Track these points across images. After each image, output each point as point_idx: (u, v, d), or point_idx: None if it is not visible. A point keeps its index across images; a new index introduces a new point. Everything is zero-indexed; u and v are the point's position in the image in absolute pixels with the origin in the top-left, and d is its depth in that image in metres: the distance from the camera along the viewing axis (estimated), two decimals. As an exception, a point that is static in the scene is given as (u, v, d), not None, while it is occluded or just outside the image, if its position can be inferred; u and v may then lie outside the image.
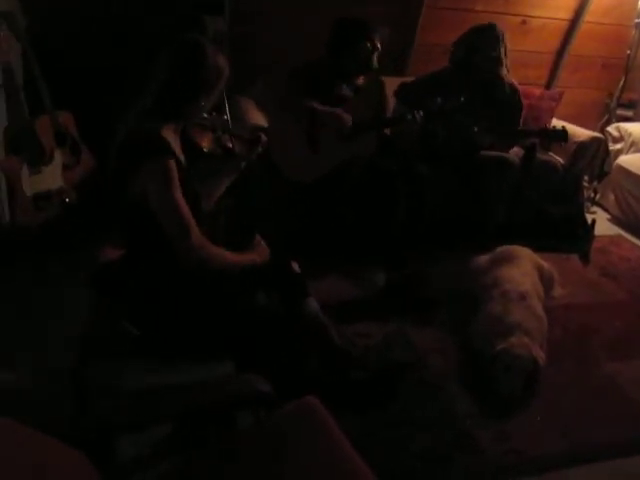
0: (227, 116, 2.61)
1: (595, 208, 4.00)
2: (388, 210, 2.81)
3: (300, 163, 2.73)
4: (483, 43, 3.00)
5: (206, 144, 2.20)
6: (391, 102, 3.21)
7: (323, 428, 1.32)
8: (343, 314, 2.44)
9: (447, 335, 2.46)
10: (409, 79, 3.27)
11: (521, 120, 3.23)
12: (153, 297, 1.74)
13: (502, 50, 3.03)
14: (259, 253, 1.88)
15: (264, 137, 2.02)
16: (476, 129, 2.91)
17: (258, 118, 3.00)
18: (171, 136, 1.71)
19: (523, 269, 2.55)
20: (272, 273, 1.97)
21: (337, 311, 2.39)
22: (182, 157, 1.74)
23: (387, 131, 3.09)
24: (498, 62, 3.04)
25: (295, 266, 2.08)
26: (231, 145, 2.30)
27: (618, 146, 3.99)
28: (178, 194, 1.60)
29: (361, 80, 2.90)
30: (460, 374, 2.24)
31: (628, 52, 3.97)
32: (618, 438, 2.04)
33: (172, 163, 1.61)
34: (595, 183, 4.05)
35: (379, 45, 2.81)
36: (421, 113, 2.79)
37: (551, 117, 3.74)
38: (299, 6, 3.23)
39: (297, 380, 1.78)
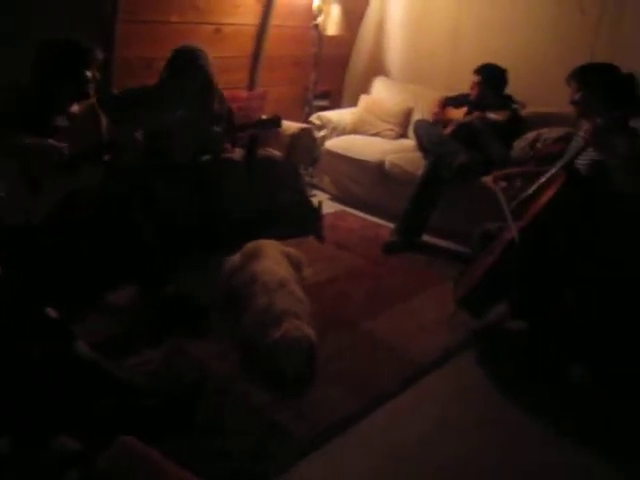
0: None
1: (315, 191, 4.41)
2: (130, 234, 2.69)
3: (18, 205, 2.45)
4: (188, 64, 3.11)
5: None
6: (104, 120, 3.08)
7: (147, 461, 1.27)
8: (117, 348, 2.31)
9: (223, 339, 2.50)
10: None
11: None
12: None
13: (209, 66, 3.17)
14: None
15: None
16: (217, 129, 2.99)
17: None
18: None
19: (274, 259, 2.71)
20: (28, 326, 1.81)
21: (110, 346, 2.27)
22: None
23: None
24: (209, 78, 3.18)
25: (52, 312, 1.93)
26: None
27: (322, 133, 4.44)
28: None
29: (75, 108, 2.72)
30: (246, 372, 2.31)
31: (313, 50, 4.42)
32: (393, 381, 2.34)
33: None
34: (310, 169, 4.45)
35: (97, 73, 2.66)
36: (140, 132, 2.75)
37: (260, 115, 3.99)
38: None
39: (95, 425, 1.66)
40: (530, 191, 2.59)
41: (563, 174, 2.45)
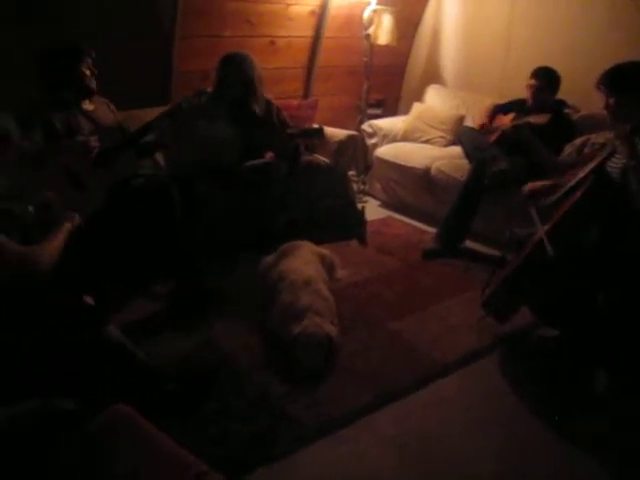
0: None
1: (367, 198, 4.50)
2: (168, 225, 2.82)
3: (71, 205, 2.67)
4: (229, 71, 3.31)
5: None
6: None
7: (138, 429, 1.40)
8: (152, 334, 2.53)
9: (250, 333, 2.64)
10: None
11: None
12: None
13: (252, 72, 3.32)
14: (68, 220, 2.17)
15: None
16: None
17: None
18: None
19: (305, 259, 2.83)
20: (64, 312, 2.02)
21: (147, 333, 2.50)
22: None
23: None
24: (250, 84, 3.34)
25: (89, 299, 2.13)
26: None
27: (373, 140, 4.54)
28: None
29: (89, 105, 2.94)
30: (268, 364, 2.43)
31: (365, 59, 4.52)
32: (410, 379, 2.39)
33: None
34: (362, 176, 4.55)
35: (94, 67, 2.84)
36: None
37: (311, 123, 4.14)
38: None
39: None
40: (560, 194, 2.56)
41: (590, 178, 2.42)
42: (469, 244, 3.65)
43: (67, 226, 2.16)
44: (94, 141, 2.69)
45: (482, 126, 3.82)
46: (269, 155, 3.38)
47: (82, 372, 1.90)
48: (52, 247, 2.04)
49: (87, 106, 2.91)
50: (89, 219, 2.65)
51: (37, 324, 1.91)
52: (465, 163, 3.80)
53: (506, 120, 3.81)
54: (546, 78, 3.63)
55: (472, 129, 3.87)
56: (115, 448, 1.39)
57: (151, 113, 3.35)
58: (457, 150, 4.22)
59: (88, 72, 2.83)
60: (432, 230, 3.88)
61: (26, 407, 1.63)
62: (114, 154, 2.78)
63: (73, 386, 1.79)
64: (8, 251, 1.89)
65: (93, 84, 2.87)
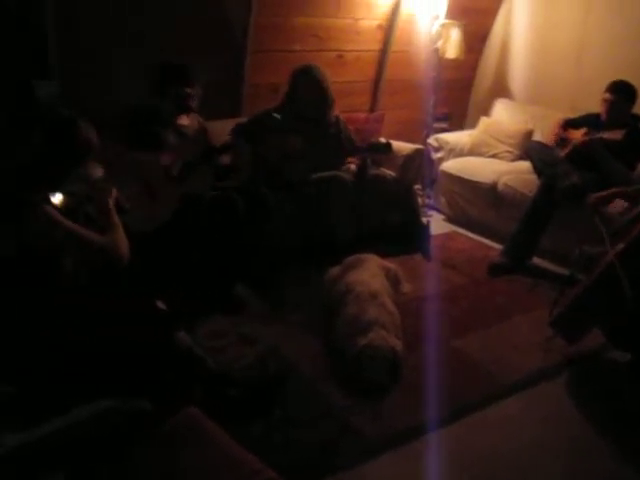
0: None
1: (431, 212, 4.46)
2: (232, 238, 2.93)
3: (141, 212, 2.78)
4: (303, 84, 3.41)
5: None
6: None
7: (207, 433, 1.45)
8: (219, 342, 2.59)
9: (314, 343, 2.68)
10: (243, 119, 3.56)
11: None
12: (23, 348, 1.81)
13: (325, 80, 3.41)
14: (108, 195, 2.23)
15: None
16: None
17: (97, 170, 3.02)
18: None
19: (371, 272, 2.84)
20: (138, 316, 2.10)
21: (213, 339, 2.58)
22: None
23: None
24: (322, 96, 3.42)
25: (160, 304, 2.21)
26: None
27: (439, 154, 4.51)
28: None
29: (184, 120, 3.08)
30: (331, 374, 2.46)
31: (433, 73, 4.50)
32: (473, 396, 2.36)
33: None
34: (428, 190, 4.52)
35: (199, 89, 3.01)
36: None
37: (378, 137, 4.15)
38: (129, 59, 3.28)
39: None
40: (635, 213, 2.49)
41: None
42: (536, 261, 3.58)
43: (111, 203, 2.23)
44: (174, 163, 2.86)
45: (555, 138, 3.71)
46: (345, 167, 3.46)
47: (153, 376, 1.97)
48: (121, 231, 2.17)
49: (183, 121, 3.10)
50: (160, 228, 2.78)
51: (111, 327, 1.99)
52: (534, 178, 3.73)
53: (577, 135, 3.71)
54: (623, 92, 3.51)
55: (541, 144, 3.80)
56: (185, 451, 1.44)
57: (221, 125, 3.49)
58: (525, 165, 4.15)
59: (190, 92, 3.02)
60: (497, 246, 3.82)
61: (103, 406, 1.72)
62: (188, 170, 2.90)
63: (144, 389, 1.85)
64: (92, 243, 2.04)
65: (192, 102, 3.07)
